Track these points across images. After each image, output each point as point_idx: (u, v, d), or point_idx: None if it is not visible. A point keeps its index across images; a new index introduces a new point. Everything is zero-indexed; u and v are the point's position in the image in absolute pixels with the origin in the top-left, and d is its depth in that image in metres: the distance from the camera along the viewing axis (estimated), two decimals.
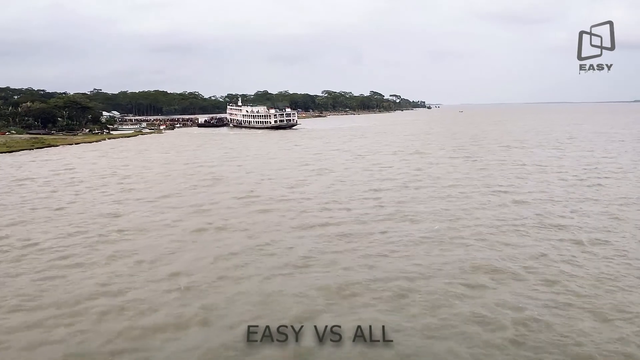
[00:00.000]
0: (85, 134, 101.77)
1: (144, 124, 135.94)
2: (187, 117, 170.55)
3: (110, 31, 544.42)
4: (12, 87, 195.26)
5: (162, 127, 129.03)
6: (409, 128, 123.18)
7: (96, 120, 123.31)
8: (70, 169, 47.98)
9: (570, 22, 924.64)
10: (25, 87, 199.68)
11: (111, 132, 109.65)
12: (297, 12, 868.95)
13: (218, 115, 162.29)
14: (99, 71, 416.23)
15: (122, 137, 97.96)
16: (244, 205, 30.24)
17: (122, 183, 39.51)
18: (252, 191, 34.86)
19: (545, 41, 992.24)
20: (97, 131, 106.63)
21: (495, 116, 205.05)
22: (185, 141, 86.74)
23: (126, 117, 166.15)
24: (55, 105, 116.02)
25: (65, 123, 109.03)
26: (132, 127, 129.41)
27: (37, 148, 71.98)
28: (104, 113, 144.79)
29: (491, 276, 18.03)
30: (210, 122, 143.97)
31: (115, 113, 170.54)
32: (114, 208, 30.09)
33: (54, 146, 75.16)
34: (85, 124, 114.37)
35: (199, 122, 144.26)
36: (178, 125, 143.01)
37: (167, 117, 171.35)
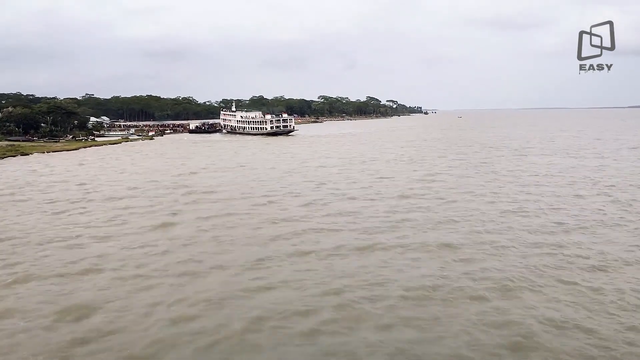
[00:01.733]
0: (68, 140, 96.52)
1: (132, 130, 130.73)
2: (177, 122, 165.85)
3: (104, 36, 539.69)
4: (0, 92, 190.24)
5: (151, 134, 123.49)
6: (412, 134, 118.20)
7: (82, 126, 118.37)
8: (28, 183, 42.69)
9: (562, 28, 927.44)
10: (14, 92, 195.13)
11: (96, 138, 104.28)
12: (288, 16, 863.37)
13: (210, 121, 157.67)
14: (92, 76, 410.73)
15: (106, 144, 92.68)
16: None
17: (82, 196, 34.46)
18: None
19: (538, 46, 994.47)
20: (81, 138, 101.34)
21: (496, 121, 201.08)
22: (171, 149, 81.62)
23: (115, 123, 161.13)
24: (39, 111, 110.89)
25: (48, 129, 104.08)
26: (119, 133, 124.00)
27: (10, 156, 66.70)
28: (92, 118, 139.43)
29: (496, 283, 17.74)
30: (201, 128, 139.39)
31: (105, 118, 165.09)
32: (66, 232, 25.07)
33: (28, 154, 69.93)
34: (71, 130, 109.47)
35: (190, 127, 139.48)
36: (168, 131, 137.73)
37: (158, 123, 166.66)
